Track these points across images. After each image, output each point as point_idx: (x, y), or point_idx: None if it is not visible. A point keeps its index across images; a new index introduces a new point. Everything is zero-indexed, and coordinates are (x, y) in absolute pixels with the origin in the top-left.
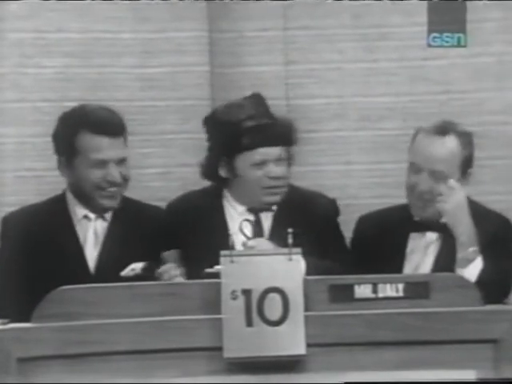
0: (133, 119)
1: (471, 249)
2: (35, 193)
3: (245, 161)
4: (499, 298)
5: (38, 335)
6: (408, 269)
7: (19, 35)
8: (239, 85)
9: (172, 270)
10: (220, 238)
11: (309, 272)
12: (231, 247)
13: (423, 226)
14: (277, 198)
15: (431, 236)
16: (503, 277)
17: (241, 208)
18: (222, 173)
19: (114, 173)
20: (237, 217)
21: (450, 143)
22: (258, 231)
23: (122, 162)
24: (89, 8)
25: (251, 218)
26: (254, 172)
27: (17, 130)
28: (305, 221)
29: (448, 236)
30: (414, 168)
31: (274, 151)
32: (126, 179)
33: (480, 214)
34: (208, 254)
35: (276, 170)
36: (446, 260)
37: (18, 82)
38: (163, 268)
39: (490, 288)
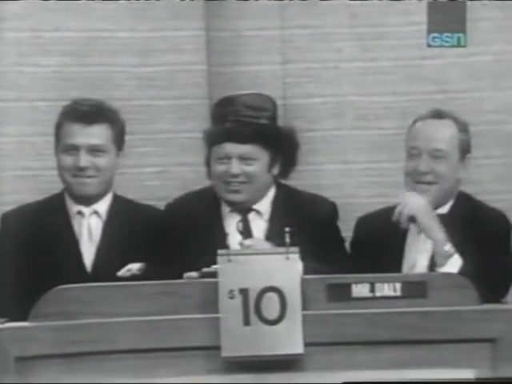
0: (130, 118)
1: (446, 247)
2: (34, 192)
3: (212, 154)
4: (499, 294)
5: (36, 334)
6: (405, 266)
7: (17, 34)
8: (237, 84)
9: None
10: (216, 238)
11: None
12: (228, 246)
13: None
14: (239, 197)
15: None
16: (502, 273)
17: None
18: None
19: (83, 159)
20: (233, 215)
21: (448, 125)
22: (246, 231)
23: (96, 150)
24: (86, 7)
25: (247, 217)
26: (219, 167)
27: (15, 129)
28: (304, 223)
29: (446, 229)
30: (414, 152)
31: (239, 148)
32: (100, 169)
33: (478, 210)
34: (205, 253)
35: (236, 167)
36: None
37: (15, 81)
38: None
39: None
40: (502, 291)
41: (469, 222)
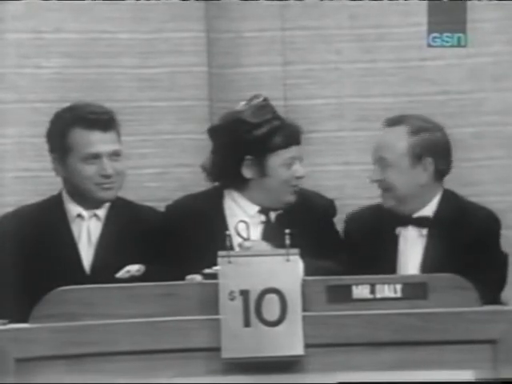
0: (131, 120)
1: None
2: (34, 193)
3: (276, 160)
4: (493, 294)
5: (37, 336)
6: (400, 271)
7: (17, 35)
8: (237, 85)
9: None
10: (221, 241)
11: (308, 273)
12: (229, 248)
13: (407, 220)
14: (295, 198)
15: (415, 232)
16: (494, 272)
17: (254, 209)
18: (247, 173)
19: (107, 167)
20: (244, 218)
21: (396, 132)
22: (269, 231)
23: (114, 155)
24: (87, 8)
25: (262, 218)
26: (283, 171)
27: (15, 130)
28: (302, 220)
29: (434, 230)
30: (373, 159)
31: (300, 150)
32: (119, 173)
33: (466, 210)
34: (208, 255)
35: (301, 169)
36: (434, 257)
37: (16, 83)
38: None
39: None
40: (496, 291)
41: (457, 222)
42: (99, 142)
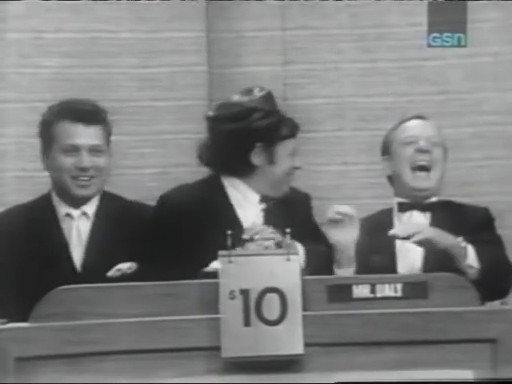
0: (130, 119)
1: (461, 243)
2: (33, 193)
3: (283, 149)
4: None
5: (36, 335)
6: (401, 271)
7: (17, 35)
8: (237, 85)
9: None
10: (231, 228)
11: (311, 260)
12: (229, 247)
13: (410, 206)
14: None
15: (419, 219)
16: (501, 263)
17: (255, 197)
18: (256, 160)
19: (84, 160)
20: (248, 207)
21: (431, 123)
22: (269, 220)
23: (96, 151)
24: (87, 8)
25: (262, 206)
26: (288, 160)
27: (15, 129)
28: (292, 210)
29: (437, 215)
30: (410, 140)
31: (297, 144)
32: (99, 169)
33: (460, 210)
34: (215, 248)
35: (299, 161)
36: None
37: (15, 82)
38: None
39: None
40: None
41: (456, 213)
42: (80, 134)
